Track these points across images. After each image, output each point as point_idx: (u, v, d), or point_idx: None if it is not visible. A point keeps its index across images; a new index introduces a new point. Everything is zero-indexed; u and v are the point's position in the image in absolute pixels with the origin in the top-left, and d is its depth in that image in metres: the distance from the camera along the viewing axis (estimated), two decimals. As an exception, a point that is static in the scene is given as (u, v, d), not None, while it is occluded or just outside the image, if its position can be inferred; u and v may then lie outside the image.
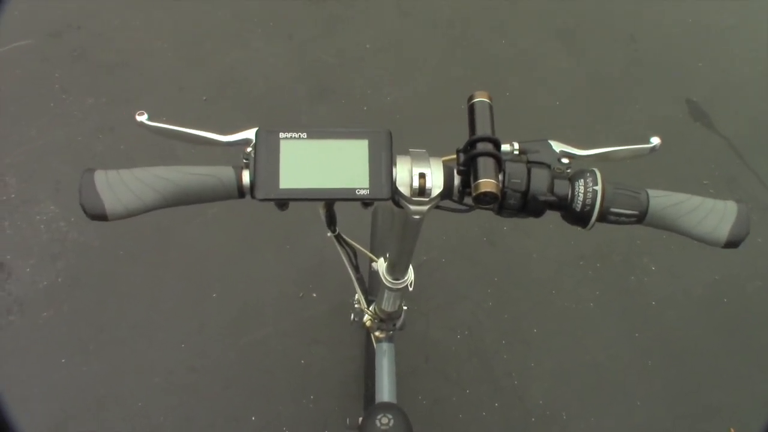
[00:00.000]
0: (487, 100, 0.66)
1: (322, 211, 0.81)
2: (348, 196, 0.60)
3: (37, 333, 1.65)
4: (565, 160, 0.65)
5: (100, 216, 0.57)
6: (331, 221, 0.84)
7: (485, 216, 0.65)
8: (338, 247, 0.94)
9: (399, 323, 1.15)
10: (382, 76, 2.25)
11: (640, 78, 2.37)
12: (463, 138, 0.64)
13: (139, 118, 0.63)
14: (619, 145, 0.69)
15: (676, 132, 2.22)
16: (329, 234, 0.88)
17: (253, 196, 0.60)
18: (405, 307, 1.16)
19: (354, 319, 1.22)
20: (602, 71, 2.37)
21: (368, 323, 1.14)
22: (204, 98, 2.13)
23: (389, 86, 2.22)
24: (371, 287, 1.29)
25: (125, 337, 1.66)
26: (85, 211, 0.57)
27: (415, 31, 2.41)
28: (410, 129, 2.09)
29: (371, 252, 1.02)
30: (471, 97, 0.67)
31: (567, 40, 2.43)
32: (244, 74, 2.21)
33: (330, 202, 0.78)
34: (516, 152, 0.66)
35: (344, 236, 0.92)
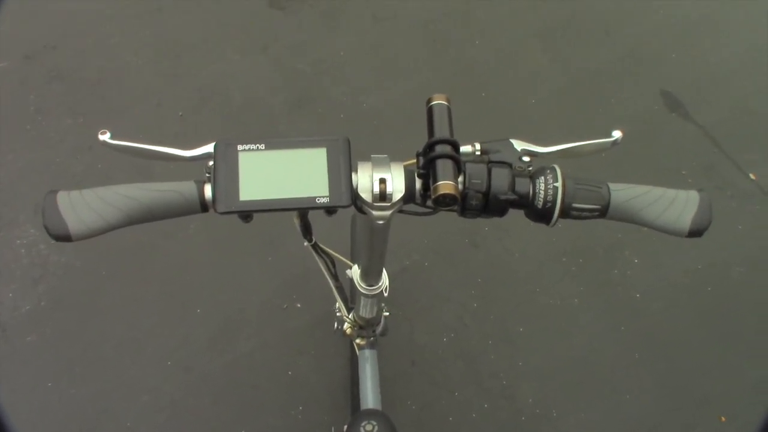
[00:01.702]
0: (446, 103, 0.66)
1: (296, 221, 0.81)
2: (308, 205, 0.60)
3: (22, 357, 1.64)
4: (526, 159, 0.65)
5: (63, 237, 0.57)
6: (307, 230, 0.84)
7: (453, 215, 0.65)
8: (316, 257, 0.94)
9: (379, 329, 1.15)
10: (358, 83, 2.25)
11: (615, 72, 2.39)
12: None
13: (102, 138, 0.63)
14: (580, 140, 0.69)
15: (652, 124, 2.24)
16: (306, 243, 0.89)
17: (214, 210, 0.60)
18: (386, 313, 1.16)
19: (337, 327, 1.22)
20: (577, 67, 2.39)
21: (349, 331, 1.15)
22: (180, 113, 2.13)
23: (366, 93, 2.22)
24: (352, 295, 1.29)
25: (111, 357, 1.65)
26: (48, 233, 0.57)
27: (389, 36, 2.42)
28: (388, 135, 2.10)
29: (351, 259, 1.02)
30: (429, 100, 0.67)
31: (542, 38, 2.45)
32: (221, 87, 2.21)
33: (303, 212, 0.78)
34: (477, 153, 0.66)
35: (321, 245, 0.92)
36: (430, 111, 0.66)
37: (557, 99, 2.28)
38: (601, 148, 0.69)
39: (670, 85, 2.35)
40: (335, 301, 1.12)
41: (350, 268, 1.00)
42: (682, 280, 1.90)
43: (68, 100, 2.14)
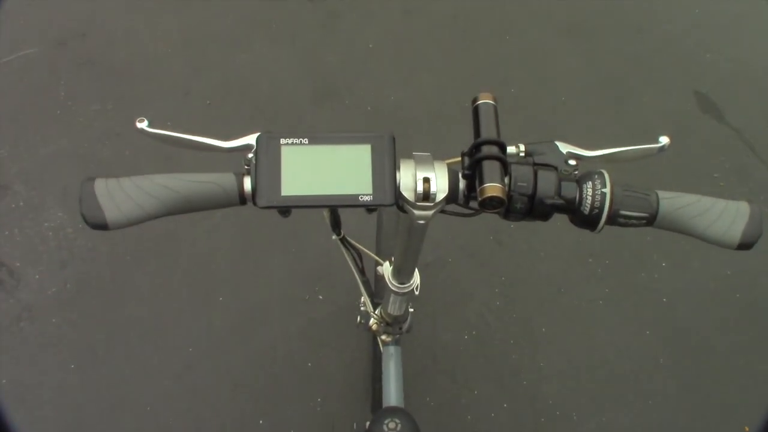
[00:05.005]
0: (492, 102, 0.64)
1: (326, 215, 0.80)
2: (351, 203, 0.59)
3: (47, 339, 1.66)
4: (572, 162, 0.63)
5: (100, 225, 0.56)
6: (336, 224, 0.84)
7: (492, 215, 0.64)
8: (343, 250, 0.93)
9: (405, 326, 1.14)
10: (385, 76, 2.24)
11: (648, 71, 2.34)
12: (469, 138, 0.63)
13: (139, 125, 0.63)
14: (627, 145, 0.67)
15: (685, 125, 2.20)
16: (334, 237, 0.88)
17: (254, 204, 0.59)
18: (411, 310, 1.15)
19: (360, 322, 1.21)
20: (609, 65, 2.35)
21: (374, 327, 1.14)
22: (208, 102, 2.13)
23: (393, 86, 2.21)
24: (377, 290, 1.29)
25: (133, 342, 1.67)
26: (85, 221, 0.56)
27: (418, 29, 2.40)
28: (414, 129, 2.08)
29: (377, 254, 1.01)
30: (475, 99, 0.65)
31: (573, 35, 2.41)
32: (248, 77, 2.21)
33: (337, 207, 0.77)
34: (522, 154, 0.64)
35: (349, 239, 0.91)
36: (476, 110, 0.64)
37: (588, 97, 2.25)
38: (648, 153, 0.67)
39: (704, 86, 2.30)
40: (359, 295, 1.11)
41: (377, 263, 0.99)
42: (710, 285, 1.86)
43: (97, 87, 2.16)
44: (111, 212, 0.56)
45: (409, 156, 0.63)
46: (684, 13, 2.52)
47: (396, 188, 0.60)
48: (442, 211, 0.65)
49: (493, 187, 0.58)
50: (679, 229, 0.62)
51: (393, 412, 1.04)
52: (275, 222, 1.85)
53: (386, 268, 0.94)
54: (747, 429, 1.64)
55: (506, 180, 0.60)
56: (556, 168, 0.62)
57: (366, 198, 0.59)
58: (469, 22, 2.43)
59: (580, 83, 2.28)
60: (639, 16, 2.50)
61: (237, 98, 2.16)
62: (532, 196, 0.60)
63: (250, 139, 0.61)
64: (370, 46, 2.32)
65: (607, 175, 0.61)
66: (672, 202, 0.61)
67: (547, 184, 0.60)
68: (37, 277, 1.76)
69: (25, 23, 2.30)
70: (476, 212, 0.64)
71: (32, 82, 2.16)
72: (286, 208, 0.60)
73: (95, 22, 2.33)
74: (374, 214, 1.55)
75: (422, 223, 0.65)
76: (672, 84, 2.31)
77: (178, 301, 1.74)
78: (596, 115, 2.20)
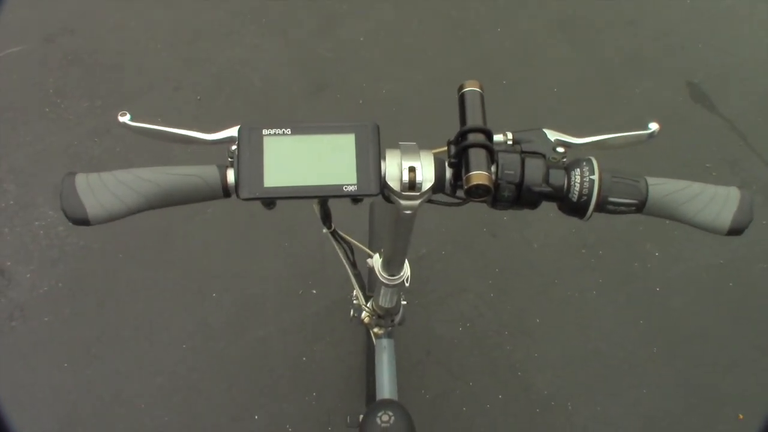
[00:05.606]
0: (478, 90, 0.64)
1: (316, 208, 0.80)
2: (335, 193, 0.58)
3: (39, 338, 1.66)
4: (560, 149, 0.63)
5: (81, 221, 0.56)
6: (326, 217, 0.83)
7: (485, 206, 0.63)
8: (334, 244, 0.93)
9: (398, 319, 1.14)
10: (377, 68, 2.23)
11: (640, 62, 2.34)
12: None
13: (121, 119, 0.62)
14: (616, 132, 0.67)
15: (677, 115, 2.20)
16: (324, 230, 0.87)
17: (237, 196, 0.59)
18: (404, 302, 1.15)
19: (353, 315, 1.21)
20: (601, 56, 2.34)
21: (366, 320, 1.13)
22: (198, 97, 2.12)
23: (385, 79, 2.20)
24: (369, 283, 1.28)
25: (127, 339, 1.66)
26: (66, 216, 0.56)
27: (409, 22, 2.39)
28: (407, 121, 2.08)
29: (369, 247, 1.01)
30: (461, 87, 0.65)
31: (565, 27, 2.40)
32: (239, 72, 2.20)
33: (323, 199, 0.76)
34: (509, 142, 0.64)
35: (340, 232, 0.91)
36: (462, 98, 0.64)
37: (580, 88, 2.24)
38: (637, 140, 0.67)
39: (696, 77, 2.29)
40: (352, 288, 1.11)
41: (368, 256, 0.99)
42: (703, 274, 1.86)
43: (86, 83, 2.15)
44: (92, 207, 0.56)
45: (395, 146, 0.63)
46: (676, 5, 2.52)
47: (381, 178, 0.60)
48: (429, 201, 0.65)
49: (479, 175, 0.58)
50: (668, 215, 0.62)
51: (386, 404, 1.04)
52: (267, 216, 1.84)
53: (376, 261, 0.94)
54: (741, 417, 1.65)
55: (493, 168, 0.60)
56: (544, 155, 0.62)
57: (350, 188, 0.58)
58: (461, 14, 2.42)
59: (571, 75, 2.28)
60: (631, 7, 2.50)
61: (227, 93, 2.15)
62: (519, 184, 0.59)
63: (233, 131, 0.61)
64: (361, 39, 2.31)
65: (595, 162, 0.60)
66: (661, 188, 0.61)
67: (534, 171, 0.60)
68: (29, 275, 1.75)
69: (14, 20, 2.28)
70: (463, 201, 0.64)
71: (21, 80, 2.14)
72: (269, 200, 0.59)
73: (84, 18, 2.31)
74: (366, 207, 1.55)
75: (409, 213, 0.65)
76: (664, 74, 2.31)
77: (171, 297, 1.73)
78: (588, 105, 2.20)
